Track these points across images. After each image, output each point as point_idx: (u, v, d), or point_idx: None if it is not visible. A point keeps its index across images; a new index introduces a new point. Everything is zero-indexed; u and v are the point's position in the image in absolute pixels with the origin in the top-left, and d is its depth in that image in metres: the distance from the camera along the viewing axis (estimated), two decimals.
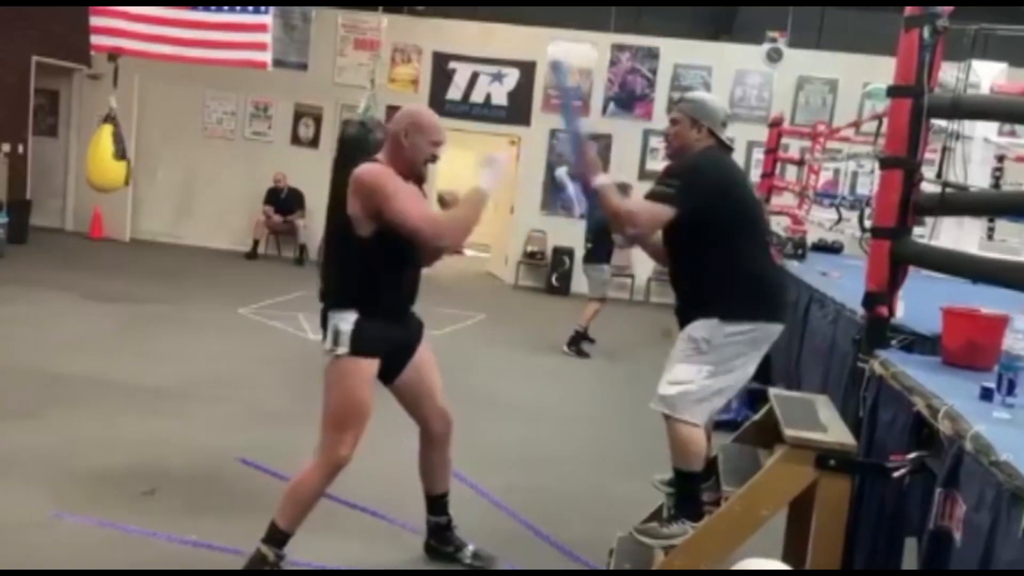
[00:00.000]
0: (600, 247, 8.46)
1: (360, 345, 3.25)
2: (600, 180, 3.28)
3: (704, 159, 3.28)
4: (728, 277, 3.19)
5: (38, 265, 10.23)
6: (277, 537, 3.31)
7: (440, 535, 3.76)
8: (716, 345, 3.15)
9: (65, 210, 13.34)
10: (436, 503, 3.74)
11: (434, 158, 3.36)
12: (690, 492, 3.24)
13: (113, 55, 7.89)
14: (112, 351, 6.75)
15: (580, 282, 12.47)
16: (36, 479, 4.15)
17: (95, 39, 7.80)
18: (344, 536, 3.86)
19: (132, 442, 4.76)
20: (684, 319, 3.31)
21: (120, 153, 7.72)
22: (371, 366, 3.30)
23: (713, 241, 3.19)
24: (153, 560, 3.50)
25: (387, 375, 3.46)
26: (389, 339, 3.35)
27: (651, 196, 3.23)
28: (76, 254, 11.55)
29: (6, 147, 11.67)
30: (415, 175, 3.37)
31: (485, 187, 3.30)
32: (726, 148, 3.38)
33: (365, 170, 3.25)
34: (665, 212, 3.16)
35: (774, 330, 3.25)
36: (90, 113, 12.71)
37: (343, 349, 3.24)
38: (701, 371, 3.15)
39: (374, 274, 3.27)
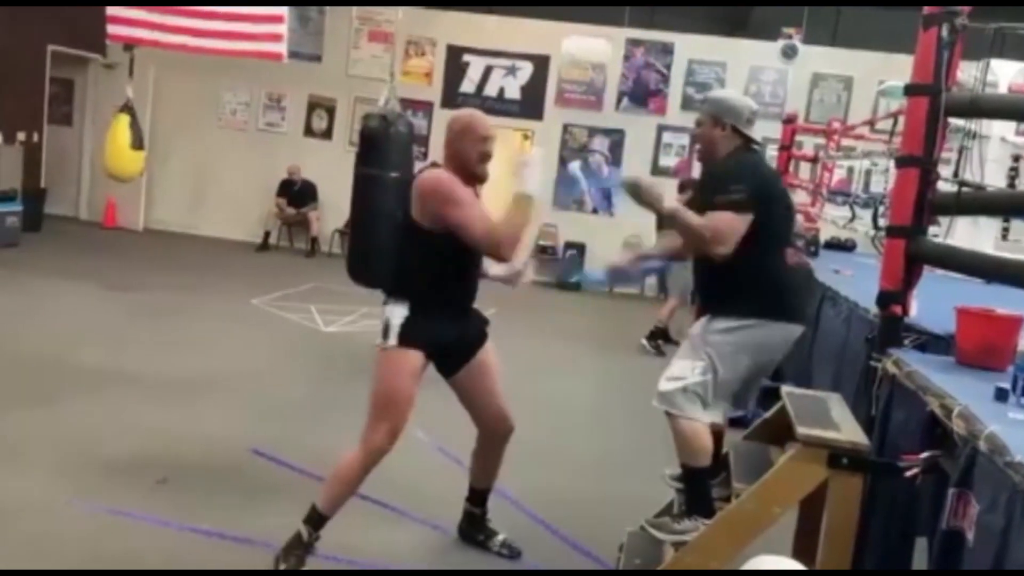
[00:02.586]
0: None
1: (407, 338, 3.32)
2: (669, 205, 3.21)
3: (749, 162, 3.26)
4: (747, 279, 3.16)
5: (52, 254, 10.29)
6: (315, 518, 3.40)
7: (473, 522, 3.87)
8: (708, 341, 3.17)
9: (79, 199, 13.40)
10: (476, 494, 3.85)
11: (487, 155, 3.39)
12: (699, 488, 3.24)
13: (129, 45, 7.91)
14: (125, 340, 6.79)
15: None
16: (50, 466, 4.18)
17: (111, 29, 7.81)
18: (363, 527, 3.87)
19: (144, 431, 4.79)
20: (701, 315, 3.34)
21: (137, 143, 7.74)
22: (416, 359, 3.35)
23: (749, 243, 3.12)
24: (165, 548, 3.53)
25: (445, 370, 3.54)
26: (440, 335, 3.39)
27: (724, 206, 3.11)
28: (90, 243, 11.61)
29: (21, 136, 11.72)
30: (475, 175, 3.41)
31: (530, 190, 3.31)
32: (754, 145, 3.35)
33: (427, 177, 3.34)
34: (744, 221, 3.10)
35: (775, 327, 3.21)
36: (105, 102, 12.75)
37: (391, 342, 3.31)
38: (695, 367, 3.16)
39: (431, 271, 3.34)
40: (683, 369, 3.17)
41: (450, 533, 3.93)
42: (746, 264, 3.15)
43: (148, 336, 7.02)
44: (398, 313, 3.33)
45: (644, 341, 8.43)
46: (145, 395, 5.43)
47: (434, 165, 3.45)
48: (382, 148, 5.45)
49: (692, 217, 3.17)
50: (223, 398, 5.53)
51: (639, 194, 3.22)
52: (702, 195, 3.30)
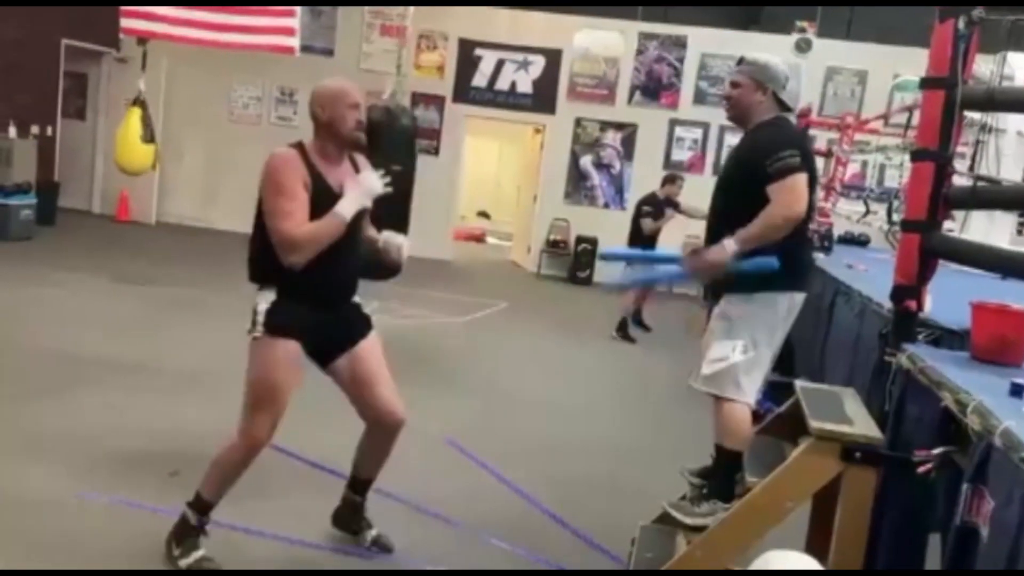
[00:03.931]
0: (640, 238, 8.55)
1: (274, 328, 3.22)
2: (731, 250, 3.14)
3: (792, 129, 3.33)
4: (781, 253, 3.16)
5: (65, 247, 10.34)
6: (200, 505, 3.36)
7: (353, 508, 3.70)
8: (745, 318, 3.17)
9: (92, 193, 13.46)
10: (358, 483, 3.69)
11: (360, 122, 3.29)
12: (728, 472, 3.25)
13: (142, 39, 7.94)
14: (138, 334, 6.81)
15: (602, 271, 12.49)
16: (60, 459, 4.20)
17: (125, 23, 7.83)
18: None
19: (156, 424, 4.81)
20: (716, 296, 3.33)
21: (148, 136, 7.77)
22: (287, 347, 3.24)
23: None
24: None
25: (320, 360, 3.43)
26: (310, 324, 3.27)
27: (784, 172, 3.13)
28: (103, 236, 11.66)
29: (35, 129, 11.78)
30: (349, 144, 3.33)
31: (343, 212, 3.20)
32: (787, 109, 3.38)
33: (273, 156, 3.25)
34: (803, 180, 3.15)
35: (798, 298, 3.29)
36: (118, 96, 12.79)
37: (258, 331, 3.23)
38: (736, 346, 3.17)
39: None
40: (724, 350, 3.18)
41: (460, 526, 3.94)
42: (789, 235, 3.16)
43: (161, 329, 7.05)
44: (264, 300, 3.24)
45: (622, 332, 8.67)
46: (158, 388, 5.45)
47: (295, 145, 3.33)
48: (385, 141, 5.42)
49: (753, 228, 3.13)
50: (235, 391, 5.51)
51: (703, 266, 3.24)
52: (747, 163, 3.26)
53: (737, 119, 3.42)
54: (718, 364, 3.18)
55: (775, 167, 3.13)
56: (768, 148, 3.19)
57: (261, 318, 3.22)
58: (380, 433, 3.53)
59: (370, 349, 3.46)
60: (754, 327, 3.17)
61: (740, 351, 3.16)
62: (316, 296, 3.28)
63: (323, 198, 3.20)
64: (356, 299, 3.49)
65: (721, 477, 3.27)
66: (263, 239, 3.25)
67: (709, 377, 3.21)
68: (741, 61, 3.39)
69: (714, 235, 3.29)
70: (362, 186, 3.28)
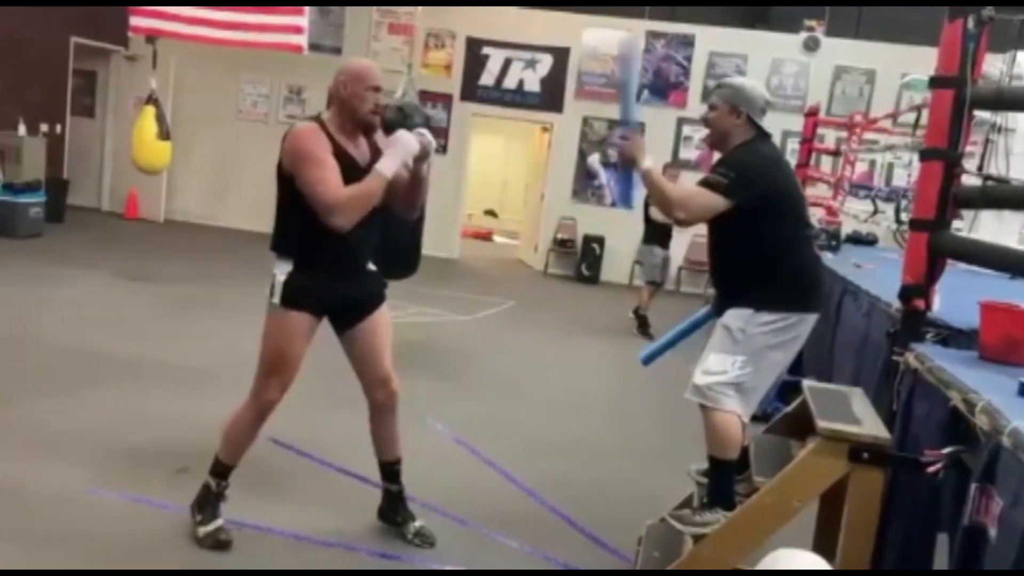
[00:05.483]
0: (651, 230, 8.64)
1: (290, 298, 3.32)
2: (648, 164, 3.30)
3: (756, 152, 3.26)
4: (768, 269, 3.17)
5: (74, 244, 10.38)
6: (219, 469, 3.51)
7: (389, 501, 3.78)
8: (750, 335, 3.13)
9: (101, 190, 13.51)
10: (385, 469, 3.75)
11: (378, 105, 3.34)
12: (724, 481, 3.24)
13: (151, 37, 7.97)
14: (147, 331, 6.84)
15: (610, 270, 12.50)
16: (71, 455, 4.22)
17: (134, 21, 7.87)
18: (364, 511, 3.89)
19: (166, 421, 4.83)
20: (721, 308, 3.30)
21: (164, 134, 7.82)
22: (300, 320, 3.34)
23: (758, 234, 3.16)
24: (185, 537, 3.54)
25: (337, 326, 3.54)
26: (326, 295, 3.37)
27: (706, 184, 3.19)
28: (112, 234, 11.70)
29: (44, 127, 11.82)
30: (362, 125, 3.37)
31: (384, 169, 3.26)
32: (765, 135, 3.34)
33: (296, 129, 3.30)
34: (719, 202, 3.13)
35: (810, 319, 3.24)
36: (127, 94, 12.87)
37: (275, 300, 3.33)
38: (736, 361, 3.13)
39: (310, 229, 3.24)
40: (721, 363, 3.14)
41: (467, 524, 3.94)
42: (767, 254, 3.17)
43: (169, 326, 7.07)
44: (281, 271, 3.33)
45: (636, 330, 8.82)
46: (166, 384, 5.47)
47: (314, 118, 3.38)
48: None
49: (665, 182, 3.35)
50: (243, 389, 5.53)
51: (632, 144, 3.36)
52: None
53: (715, 143, 3.42)
54: (713, 376, 3.14)
55: (706, 176, 3.21)
56: (718, 164, 3.24)
57: (279, 288, 3.32)
58: (379, 408, 3.62)
59: (380, 323, 3.55)
60: (756, 344, 3.13)
61: (739, 367, 3.12)
62: (332, 265, 3.36)
63: (347, 171, 3.25)
64: (371, 267, 3.56)
65: (719, 486, 3.24)
66: (283, 210, 3.36)
67: (700, 387, 3.16)
68: (718, 86, 3.42)
69: (712, 265, 3.42)
70: (400, 145, 3.32)
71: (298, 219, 3.27)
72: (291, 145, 3.26)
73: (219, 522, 3.47)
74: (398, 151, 3.31)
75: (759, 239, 3.17)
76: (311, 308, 3.36)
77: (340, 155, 3.27)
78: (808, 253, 3.33)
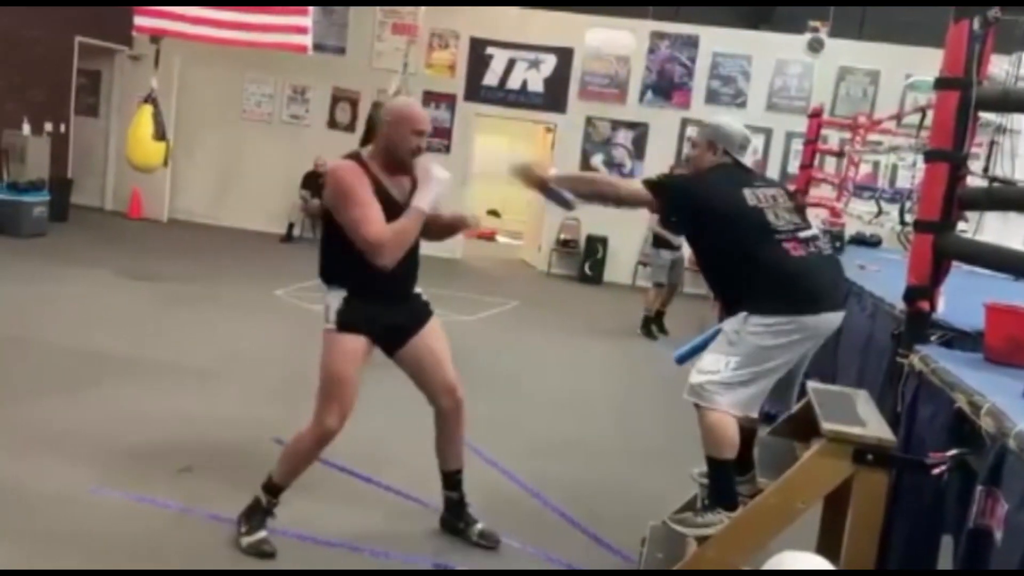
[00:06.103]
0: (655, 233, 8.71)
1: (345, 323, 3.42)
2: (552, 175, 3.53)
3: (704, 171, 3.41)
4: (746, 279, 3.18)
5: (78, 243, 10.39)
6: (272, 488, 3.55)
7: (451, 509, 3.85)
8: (744, 336, 3.14)
9: (105, 189, 13.52)
10: (447, 478, 3.82)
11: (419, 148, 3.44)
12: (723, 481, 3.23)
13: (155, 37, 7.98)
14: (150, 330, 6.84)
15: (613, 271, 12.50)
16: (74, 454, 4.22)
17: (138, 20, 7.87)
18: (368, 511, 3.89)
19: (169, 420, 4.83)
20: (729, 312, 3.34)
21: (159, 134, 7.82)
22: (355, 343, 3.43)
23: (720, 249, 3.27)
24: (188, 537, 3.55)
25: (389, 350, 3.62)
26: (378, 319, 3.45)
27: (649, 179, 3.45)
28: (115, 233, 11.71)
29: (48, 126, 11.84)
30: (400, 165, 3.46)
31: (422, 205, 3.39)
32: (741, 168, 3.42)
33: (337, 167, 3.41)
34: (642, 193, 3.35)
35: (808, 320, 3.14)
36: (131, 94, 12.84)
37: (331, 325, 3.43)
38: (729, 362, 3.14)
39: (358, 260, 3.33)
40: (715, 363, 3.16)
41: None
42: (741, 268, 3.20)
43: (173, 325, 7.07)
44: (335, 298, 3.43)
45: (639, 331, 8.90)
46: (170, 384, 5.47)
47: (353, 156, 3.48)
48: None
49: (575, 175, 3.67)
50: (247, 388, 5.57)
51: (526, 174, 3.52)
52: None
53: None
54: (706, 375, 3.15)
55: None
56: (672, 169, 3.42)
57: (333, 315, 3.43)
58: (446, 416, 3.69)
59: (432, 334, 3.65)
60: (750, 345, 3.12)
61: (732, 367, 3.12)
62: (384, 293, 3.46)
63: (387, 209, 3.34)
64: (417, 290, 3.68)
65: (719, 486, 3.23)
66: (329, 244, 3.49)
67: (694, 386, 3.17)
68: (706, 126, 3.58)
69: (701, 271, 3.50)
70: (433, 177, 3.44)
71: (345, 251, 3.35)
72: (333, 184, 3.36)
73: (263, 533, 3.51)
74: (432, 185, 3.43)
75: (725, 254, 3.25)
76: (365, 331, 3.44)
77: (380, 193, 3.36)
78: (791, 258, 3.18)
